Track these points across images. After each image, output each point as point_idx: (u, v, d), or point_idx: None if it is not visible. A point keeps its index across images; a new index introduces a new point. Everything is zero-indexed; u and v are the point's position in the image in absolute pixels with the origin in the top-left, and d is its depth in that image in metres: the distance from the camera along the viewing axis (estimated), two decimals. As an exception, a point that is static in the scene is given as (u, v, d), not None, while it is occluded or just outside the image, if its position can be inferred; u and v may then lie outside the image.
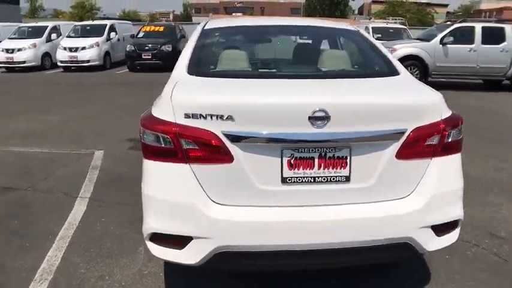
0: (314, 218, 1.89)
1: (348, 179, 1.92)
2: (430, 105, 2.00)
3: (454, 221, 2.09)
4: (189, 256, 1.87)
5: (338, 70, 2.48)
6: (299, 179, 1.89)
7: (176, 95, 1.88)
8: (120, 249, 2.74)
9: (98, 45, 12.63)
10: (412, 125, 1.92)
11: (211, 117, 1.78)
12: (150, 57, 12.58)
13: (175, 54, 13.03)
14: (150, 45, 12.65)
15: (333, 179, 1.91)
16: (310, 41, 3.17)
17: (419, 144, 1.95)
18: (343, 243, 1.90)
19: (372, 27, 13.56)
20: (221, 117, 1.78)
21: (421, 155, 1.97)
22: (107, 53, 13.06)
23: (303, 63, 2.90)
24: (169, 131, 1.82)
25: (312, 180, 1.90)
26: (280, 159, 1.86)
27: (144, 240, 2.01)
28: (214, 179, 1.86)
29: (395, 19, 17.87)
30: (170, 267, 2.50)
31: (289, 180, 1.88)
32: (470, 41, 9.90)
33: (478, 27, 9.95)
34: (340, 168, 1.90)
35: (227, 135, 1.80)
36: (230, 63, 2.50)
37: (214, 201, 1.87)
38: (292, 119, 1.82)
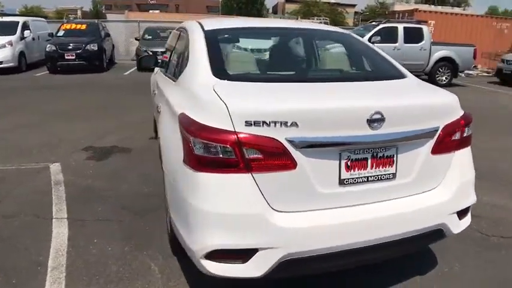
0: (370, 216, 1.95)
1: (394, 176, 2.03)
2: (454, 105, 2.19)
3: (469, 206, 2.31)
4: (254, 268, 1.79)
5: (360, 72, 2.55)
6: (354, 180, 1.94)
7: (234, 102, 1.79)
8: (130, 272, 2.47)
9: (11, 45, 11.16)
10: (442, 123, 2.09)
11: (275, 124, 1.74)
12: (74, 57, 11.49)
13: (101, 53, 12.15)
14: (73, 45, 11.55)
15: (383, 177, 2.00)
16: (317, 43, 3.18)
17: (447, 140, 2.12)
18: (394, 235, 2.00)
19: None
20: (285, 123, 1.74)
21: (448, 149, 2.15)
22: (21, 54, 11.59)
23: (322, 65, 2.90)
24: (229, 140, 1.72)
25: (366, 180, 1.97)
26: (338, 161, 1.89)
27: (197, 259, 1.85)
28: (276, 187, 1.80)
29: (320, 19, 18.79)
30: (197, 282, 2.34)
31: (346, 181, 1.92)
32: (395, 40, 10.84)
33: (401, 27, 10.95)
34: (389, 167, 2.00)
35: (291, 142, 1.77)
36: (254, 66, 2.46)
37: (275, 210, 1.82)
38: (352, 122, 1.86)
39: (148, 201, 3.45)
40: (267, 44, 3.19)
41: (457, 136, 2.16)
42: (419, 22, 11.67)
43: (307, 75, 2.65)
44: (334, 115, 1.86)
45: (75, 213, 3.18)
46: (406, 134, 1.98)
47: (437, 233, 2.17)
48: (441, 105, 2.15)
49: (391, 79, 2.46)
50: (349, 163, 1.91)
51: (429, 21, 14.68)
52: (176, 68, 2.95)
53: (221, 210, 1.77)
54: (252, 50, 3.06)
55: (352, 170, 1.92)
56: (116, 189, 3.68)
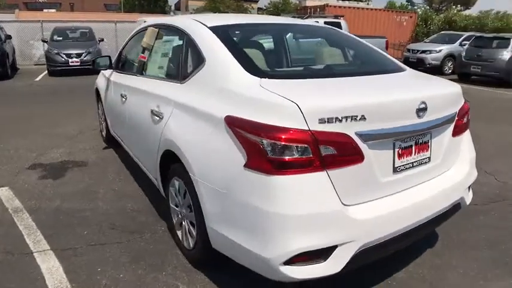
0: (418, 198, 2.08)
1: (429, 159, 2.18)
2: (461, 92, 2.43)
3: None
4: (334, 265, 1.79)
5: (375, 66, 2.62)
6: (404, 166, 2.05)
7: (304, 100, 1.73)
8: (160, 297, 2.22)
9: None
10: (456, 109, 2.31)
11: (346, 119, 1.75)
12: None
13: (4, 58, 10.68)
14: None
15: (422, 161, 2.14)
16: (323, 40, 3.15)
17: (460, 123, 2.35)
18: (435, 212, 2.17)
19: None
20: (355, 118, 1.76)
21: (461, 131, 2.38)
22: None
23: (338, 60, 2.89)
24: (306, 139, 1.68)
25: (411, 166, 2.08)
26: (392, 150, 1.97)
27: (274, 267, 1.75)
28: (346, 181, 1.81)
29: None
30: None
31: (398, 169, 2.02)
32: (317, 34, 11.37)
33: (321, 22, 11.52)
34: (426, 151, 2.15)
35: (360, 135, 1.79)
36: (278, 62, 2.39)
37: (345, 204, 1.82)
38: (406, 112, 1.97)
39: (137, 217, 3.13)
40: (274, 39, 3.09)
41: (465, 119, 2.42)
42: (336, 17, 12.44)
43: (334, 70, 2.63)
44: (393, 107, 1.94)
45: (59, 242, 2.74)
46: (439, 120, 2.15)
47: (457, 206, 2.39)
48: (456, 93, 2.36)
49: (401, 71, 2.59)
50: (400, 151, 2.01)
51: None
52: (175, 68, 2.70)
53: (301, 212, 1.71)
54: (277, 46, 2.94)
55: (402, 158, 2.03)
56: (93, 209, 3.26)
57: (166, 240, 2.81)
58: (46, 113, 6.72)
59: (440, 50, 13.67)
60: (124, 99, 3.49)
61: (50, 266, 2.48)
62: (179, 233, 2.66)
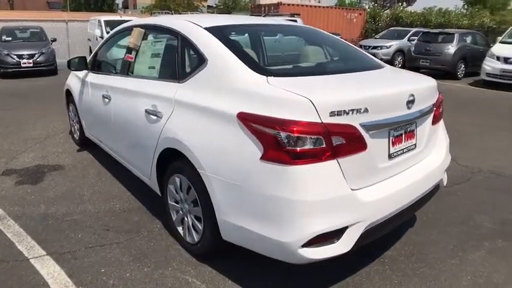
0: (410, 180, 2.32)
1: (415, 146, 2.43)
2: (436, 85, 2.69)
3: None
4: (344, 245, 1.96)
5: (359, 63, 2.81)
6: (397, 153, 2.27)
7: (315, 96, 1.89)
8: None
9: None
10: (434, 100, 2.58)
11: (352, 112, 1.93)
12: None
13: None
14: None
15: (410, 148, 2.38)
16: (309, 39, 3.29)
17: (437, 113, 2.62)
18: (423, 192, 2.42)
19: (104, 21, 12.42)
20: (359, 110, 1.96)
21: (437, 120, 2.66)
22: None
23: (324, 58, 3.03)
24: (321, 131, 1.84)
25: (402, 152, 2.31)
26: (387, 139, 2.18)
27: (294, 250, 1.89)
28: (353, 168, 1.99)
29: (188, 13, 18.45)
30: (245, 281, 2.30)
31: (392, 155, 2.23)
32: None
33: (280, 19, 11.75)
34: (412, 139, 2.39)
35: (364, 126, 1.99)
36: (276, 61, 2.51)
37: (352, 188, 2.00)
38: (398, 104, 2.20)
39: (130, 217, 3.12)
40: (266, 40, 3.18)
41: (440, 109, 2.70)
42: (293, 15, 12.73)
43: (327, 67, 2.78)
44: (389, 99, 2.17)
45: (54, 247, 2.69)
46: (423, 110, 2.41)
47: (437, 187, 2.66)
48: (434, 86, 2.63)
49: (382, 67, 2.82)
50: (393, 139, 2.23)
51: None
52: (171, 68, 2.73)
53: (317, 198, 1.87)
54: (271, 46, 3.04)
55: (395, 145, 2.25)
56: (82, 212, 3.20)
57: (164, 237, 2.84)
58: (5, 117, 6.35)
59: (390, 46, 14.46)
60: (107, 100, 3.44)
61: (51, 271, 2.43)
62: (180, 228, 2.70)
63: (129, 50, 3.19)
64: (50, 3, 54.61)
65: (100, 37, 12.08)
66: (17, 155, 4.54)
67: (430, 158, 2.59)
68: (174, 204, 2.71)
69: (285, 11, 15.98)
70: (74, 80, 4.54)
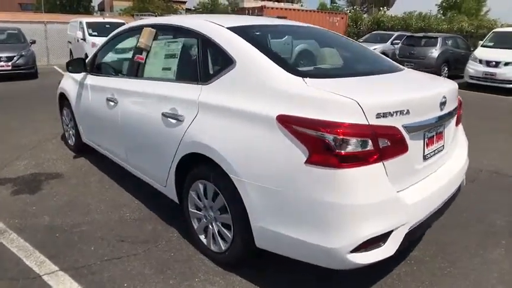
0: (442, 180, 2.31)
1: (443, 147, 2.42)
2: (457, 88, 2.69)
3: None
4: (390, 248, 1.92)
5: (383, 65, 2.77)
6: (430, 154, 2.25)
7: (361, 98, 1.84)
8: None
9: None
10: (457, 102, 2.59)
11: (396, 114, 1.91)
12: None
13: None
14: None
15: (440, 149, 2.37)
16: (325, 40, 3.21)
17: (459, 115, 2.64)
18: (452, 192, 2.41)
19: (87, 23, 12.17)
20: (402, 112, 1.93)
21: (459, 122, 2.67)
22: None
23: (349, 60, 2.97)
24: (368, 133, 1.80)
25: (433, 154, 2.29)
26: (423, 141, 2.16)
27: (342, 256, 1.83)
28: (396, 170, 1.95)
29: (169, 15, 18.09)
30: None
31: (427, 156, 2.21)
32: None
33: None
34: (441, 140, 2.38)
35: (406, 128, 1.97)
36: (305, 61, 2.44)
37: (396, 191, 1.96)
38: (434, 106, 2.19)
39: (143, 226, 2.96)
40: (288, 41, 3.09)
41: (461, 111, 2.72)
42: (280, 18, 12.72)
43: (355, 69, 2.70)
44: (428, 101, 2.17)
45: (67, 262, 2.50)
46: (451, 112, 2.40)
47: (459, 188, 2.63)
48: (457, 88, 2.63)
49: (402, 69, 2.79)
50: (427, 141, 2.20)
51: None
52: (191, 69, 2.61)
53: (366, 201, 1.82)
54: (298, 47, 2.94)
55: (429, 146, 2.23)
56: (90, 222, 3.02)
57: (184, 246, 2.70)
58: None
59: (374, 49, 14.63)
60: (112, 103, 3.27)
61: (68, 288, 2.26)
62: (202, 237, 2.58)
63: (139, 50, 3.04)
64: (23, 4, 52.89)
65: (82, 39, 11.73)
66: (8, 163, 4.28)
67: (454, 159, 2.58)
68: (196, 211, 2.58)
69: (269, 14, 15.99)
70: (69, 83, 4.32)
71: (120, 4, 53.08)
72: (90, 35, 11.61)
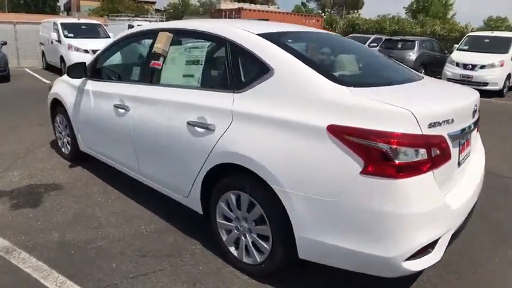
0: (472, 184, 2.37)
1: (469, 153, 2.48)
2: None
3: None
4: (437, 254, 1.97)
5: (407, 74, 2.78)
6: (462, 160, 2.30)
7: (415, 108, 1.85)
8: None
9: None
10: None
11: (444, 123, 1.94)
12: None
13: None
14: None
15: (468, 154, 2.43)
16: (350, 48, 3.19)
17: (478, 120, 2.66)
18: (478, 196, 2.47)
19: (61, 23, 11.49)
20: (448, 121, 1.97)
21: (478, 128, 2.72)
22: None
23: (376, 68, 2.95)
24: (424, 143, 1.82)
25: (464, 160, 2.35)
26: (458, 148, 2.20)
27: (397, 264, 1.85)
28: (441, 178, 1.97)
29: (150, 18, 17.53)
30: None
31: (460, 162, 2.26)
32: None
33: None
34: (469, 147, 2.45)
35: (450, 136, 2.01)
36: (340, 69, 2.42)
37: (443, 198, 2.00)
38: (469, 114, 2.26)
39: (163, 239, 2.83)
40: (319, 48, 3.03)
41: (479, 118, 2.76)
42: (262, 19, 12.71)
43: (388, 77, 2.65)
44: (466, 109, 2.22)
45: (90, 280, 2.34)
46: (477, 119, 2.49)
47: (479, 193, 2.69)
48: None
49: (423, 78, 2.80)
50: (461, 148, 2.25)
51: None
52: (220, 77, 2.55)
53: (421, 210, 1.84)
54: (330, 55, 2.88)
55: (461, 153, 2.28)
56: (105, 237, 2.85)
57: (210, 259, 2.60)
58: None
59: (352, 52, 14.90)
60: (122, 110, 3.11)
61: (98, 309, 2.11)
62: (232, 249, 2.49)
63: (155, 56, 2.90)
64: (-18, 4, 50.26)
65: (57, 41, 11.23)
66: (-2, 174, 4.00)
67: (475, 164, 2.63)
68: (225, 222, 2.49)
69: (247, 16, 15.94)
70: (64, 89, 4.09)
71: (87, 4, 51.49)
72: (66, 36, 11.13)
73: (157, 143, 2.81)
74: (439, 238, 1.94)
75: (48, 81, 9.87)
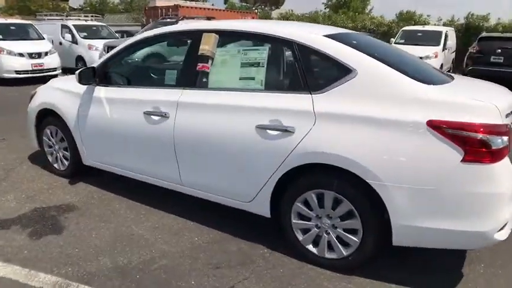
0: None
1: None
2: None
3: None
4: (509, 227, 2.22)
5: (441, 73, 2.94)
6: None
7: (496, 102, 2.14)
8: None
9: None
10: None
11: (509, 115, 2.22)
12: None
13: None
14: None
15: None
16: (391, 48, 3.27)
17: None
18: None
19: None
20: (510, 113, 2.24)
21: None
22: None
23: (419, 68, 2.97)
24: (507, 131, 2.11)
25: None
26: None
27: (490, 237, 2.12)
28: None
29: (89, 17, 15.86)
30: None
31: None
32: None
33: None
34: None
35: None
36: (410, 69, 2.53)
37: None
38: None
39: (227, 248, 2.73)
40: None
41: None
42: (209, 18, 12.47)
43: (436, 77, 2.73)
44: None
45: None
46: None
47: None
48: None
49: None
50: None
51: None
52: (293, 79, 2.55)
53: (508, 189, 2.12)
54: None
55: None
56: (163, 255, 2.65)
57: (286, 260, 2.58)
58: None
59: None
60: (158, 117, 2.90)
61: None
62: (310, 247, 2.52)
63: (203, 58, 2.75)
64: None
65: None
66: (-10, 198, 3.47)
67: None
68: (302, 222, 2.50)
69: (184, 13, 15.45)
70: (61, 97, 3.66)
71: (-4, 2, 45.88)
72: (-1, 38, 9.90)
73: (213, 149, 2.68)
74: None
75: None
